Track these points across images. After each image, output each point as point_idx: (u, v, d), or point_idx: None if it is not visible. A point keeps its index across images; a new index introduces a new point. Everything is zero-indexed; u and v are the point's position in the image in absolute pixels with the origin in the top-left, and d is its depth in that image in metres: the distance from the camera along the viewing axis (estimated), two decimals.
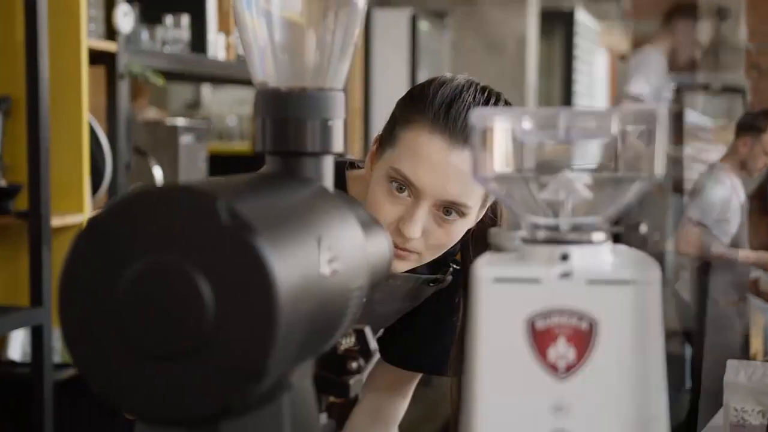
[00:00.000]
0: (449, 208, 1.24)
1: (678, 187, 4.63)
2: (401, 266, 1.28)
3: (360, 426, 1.50)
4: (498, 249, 0.75)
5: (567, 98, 7.34)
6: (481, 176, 0.67)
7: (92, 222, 0.60)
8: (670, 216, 5.49)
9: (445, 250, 1.29)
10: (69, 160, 2.42)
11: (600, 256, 0.67)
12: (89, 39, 2.48)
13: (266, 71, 0.78)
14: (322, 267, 0.66)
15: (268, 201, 0.65)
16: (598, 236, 0.68)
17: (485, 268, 0.66)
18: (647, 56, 4.37)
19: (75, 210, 2.43)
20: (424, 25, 5.02)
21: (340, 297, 0.70)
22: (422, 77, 5.39)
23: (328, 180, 0.78)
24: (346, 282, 0.70)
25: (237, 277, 0.58)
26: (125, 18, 2.58)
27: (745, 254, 4.59)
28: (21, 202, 2.36)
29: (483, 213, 1.33)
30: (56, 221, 2.35)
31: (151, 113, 4.34)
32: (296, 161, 0.77)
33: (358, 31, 0.80)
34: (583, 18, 7.46)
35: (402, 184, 1.23)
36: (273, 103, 0.77)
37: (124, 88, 2.62)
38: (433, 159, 1.21)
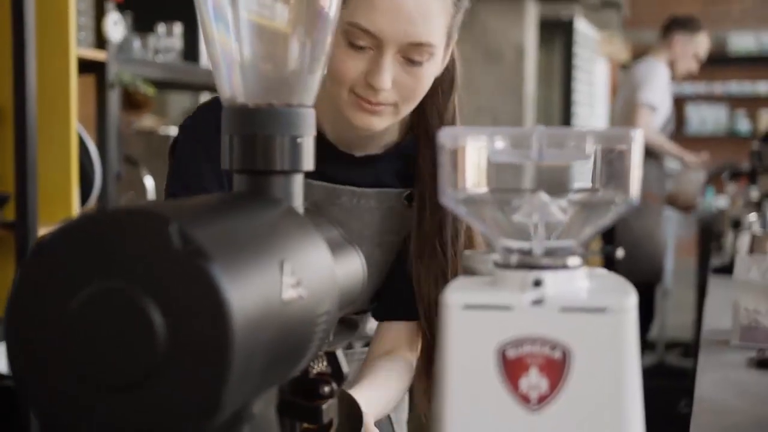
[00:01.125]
0: (412, 58, 1.22)
1: (672, 201, 4.59)
2: (379, 122, 1.27)
3: (378, 381, 1.35)
4: (471, 272, 0.72)
5: (566, 107, 7.32)
6: (451, 197, 0.65)
7: (40, 245, 0.58)
8: (669, 227, 5.47)
9: (419, 99, 1.27)
10: (58, 169, 2.40)
11: (575, 281, 0.65)
12: (79, 48, 2.45)
13: (233, 86, 0.76)
14: (284, 292, 0.63)
15: (227, 223, 0.62)
16: (574, 261, 0.65)
17: (455, 294, 0.64)
18: (653, 66, 4.35)
19: (63, 219, 2.40)
20: None
21: (306, 323, 0.67)
22: None
23: (298, 199, 0.75)
24: (312, 307, 0.67)
25: (189, 305, 0.55)
26: (115, 27, 2.55)
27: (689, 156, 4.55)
28: (8, 212, 2.33)
29: (448, 56, 1.32)
30: (44, 232, 2.33)
31: (148, 121, 4.31)
32: (264, 180, 0.74)
33: (329, 42, 0.77)
34: (582, 27, 7.44)
35: (361, 38, 1.21)
36: (240, 119, 0.74)
37: (113, 98, 2.59)
38: (387, 2, 1.20)
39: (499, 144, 0.64)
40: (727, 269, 2.63)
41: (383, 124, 1.28)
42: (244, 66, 0.75)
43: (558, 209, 0.65)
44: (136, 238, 0.56)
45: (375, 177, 1.38)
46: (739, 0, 9.73)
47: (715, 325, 2.00)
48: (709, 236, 4.34)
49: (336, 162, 1.38)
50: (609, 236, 4.11)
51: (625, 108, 4.41)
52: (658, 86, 4.26)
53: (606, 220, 0.65)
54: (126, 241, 0.56)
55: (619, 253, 0.67)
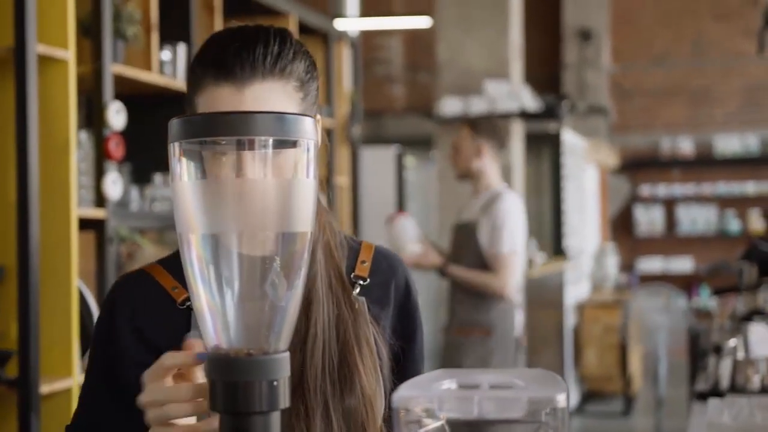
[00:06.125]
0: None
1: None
2: None
3: None
4: None
5: (557, 216, 7.44)
6: None
7: None
8: (660, 336, 5.53)
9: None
10: (59, 325, 2.49)
11: None
12: (79, 208, 2.57)
13: (218, 336, 0.86)
14: None
15: None
16: None
17: None
18: None
19: (64, 375, 2.49)
20: (410, 161, 5.16)
21: None
22: (410, 208, 5.53)
23: None
24: None
25: None
26: (114, 185, 2.69)
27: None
28: (11, 369, 2.42)
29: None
30: (45, 388, 2.41)
31: (150, 250, 4.41)
32: (245, 420, 0.84)
33: (298, 300, 0.88)
34: (569, 138, 7.62)
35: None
36: (223, 367, 0.85)
37: (112, 252, 2.71)
38: (226, 104, 1.13)
39: (446, 404, 0.74)
40: (713, 393, 2.69)
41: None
42: (225, 320, 0.86)
43: None
44: None
45: None
46: (723, 104, 9.98)
47: None
48: (697, 349, 4.41)
49: None
50: None
51: None
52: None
53: None
54: None
55: None
